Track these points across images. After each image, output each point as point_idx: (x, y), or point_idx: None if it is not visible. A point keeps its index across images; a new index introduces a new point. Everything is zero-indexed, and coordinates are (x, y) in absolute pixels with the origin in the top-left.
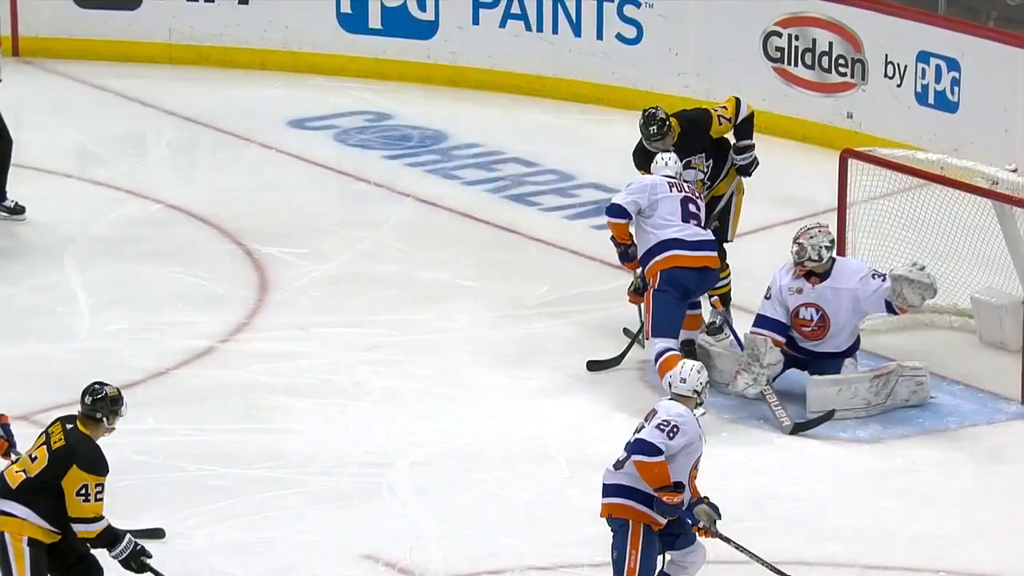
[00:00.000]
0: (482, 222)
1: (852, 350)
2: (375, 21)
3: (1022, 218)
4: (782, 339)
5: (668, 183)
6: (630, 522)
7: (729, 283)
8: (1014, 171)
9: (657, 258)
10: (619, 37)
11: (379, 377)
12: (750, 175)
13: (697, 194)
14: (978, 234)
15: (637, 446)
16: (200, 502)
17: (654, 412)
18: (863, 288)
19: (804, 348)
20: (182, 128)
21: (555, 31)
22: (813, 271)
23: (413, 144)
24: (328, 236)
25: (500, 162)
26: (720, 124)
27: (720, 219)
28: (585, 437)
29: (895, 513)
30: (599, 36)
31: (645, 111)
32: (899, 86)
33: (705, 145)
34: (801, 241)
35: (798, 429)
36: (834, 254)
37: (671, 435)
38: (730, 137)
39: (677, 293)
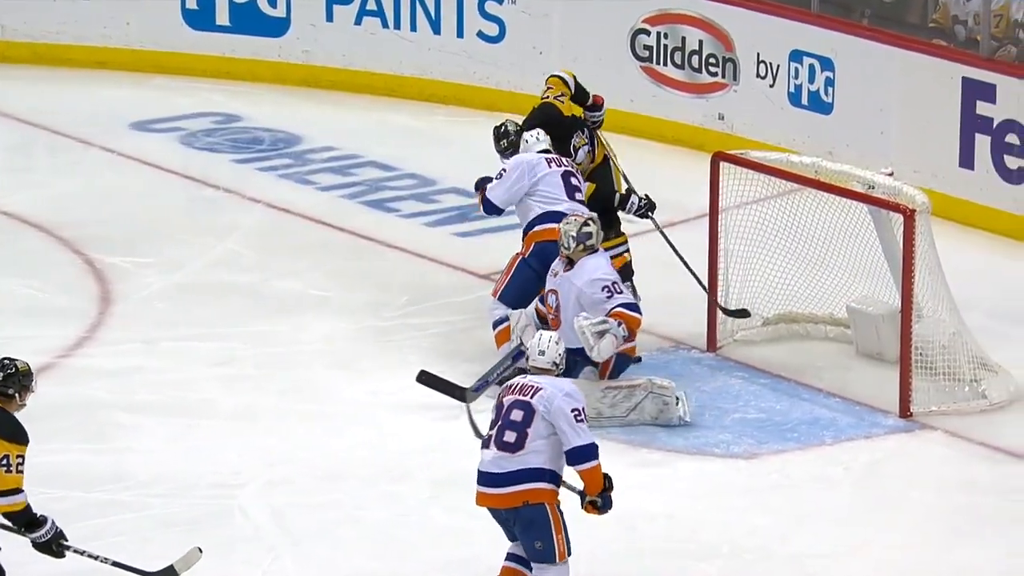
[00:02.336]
0: (338, 229)
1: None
2: (223, 17)
3: (899, 224)
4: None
5: (547, 159)
6: (546, 506)
7: (626, 250)
8: (890, 175)
9: (536, 228)
10: (481, 35)
11: (230, 393)
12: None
13: (575, 167)
14: (854, 240)
15: (584, 452)
16: None
17: (534, 389)
18: (587, 291)
19: None
20: (16, 131)
21: (413, 28)
22: (569, 258)
23: (264, 147)
24: (174, 244)
25: (357, 166)
26: (562, 103)
27: (606, 184)
28: (449, 454)
29: (772, 531)
30: (460, 34)
31: (494, 128)
32: (772, 86)
33: (569, 129)
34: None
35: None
36: (593, 244)
37: (585, 423)
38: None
39: (541, 270)
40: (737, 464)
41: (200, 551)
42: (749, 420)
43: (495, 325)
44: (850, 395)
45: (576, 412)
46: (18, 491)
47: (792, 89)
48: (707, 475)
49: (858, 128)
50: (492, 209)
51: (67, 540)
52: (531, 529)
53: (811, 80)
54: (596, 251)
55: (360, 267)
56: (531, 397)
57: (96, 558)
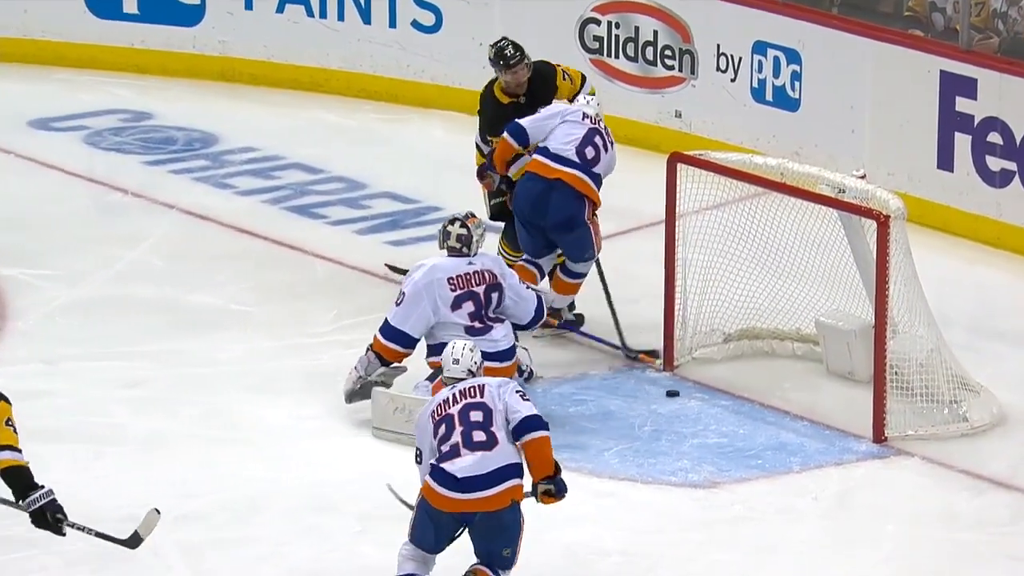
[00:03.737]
0: (260, 237)
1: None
2: (131, 5)
3: (871, 231)
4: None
5: (583, 113)
6: (519, 503)
7: None
8: (862, 177)
9: (516, 167)
10: (415, 25)
11: (140, 418)
12: None
13: (609, 134)
14: (823, 249)
15: (537, 421)
16: None
17: (479, 387)
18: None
19: None
20: None
21: (341, 18)
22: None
23: (178, 148)
24: (79, 254)
25: (279, 168)
26: (564, 79)
27: None
28: (379, 484)
29: (734, 568)
30: (392, 24)
31: (493, 44)
32: (733, 80)
33: (550, 99)
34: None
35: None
36: (455, 244)
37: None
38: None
39: (516, 214)
40: (696, 494)
41: (158, 512)
42: (709, 446)
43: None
44: (819, 418)
45: (520, 393)
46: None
47: (755, 84)
48: (663, 506)
49: (827, 126)
50: (514, 127)
51: (64, 515)
52: (503, 534)
53: (776, 74)
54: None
55: (283, 279)
56: (481, 396)
57: (84, 530)
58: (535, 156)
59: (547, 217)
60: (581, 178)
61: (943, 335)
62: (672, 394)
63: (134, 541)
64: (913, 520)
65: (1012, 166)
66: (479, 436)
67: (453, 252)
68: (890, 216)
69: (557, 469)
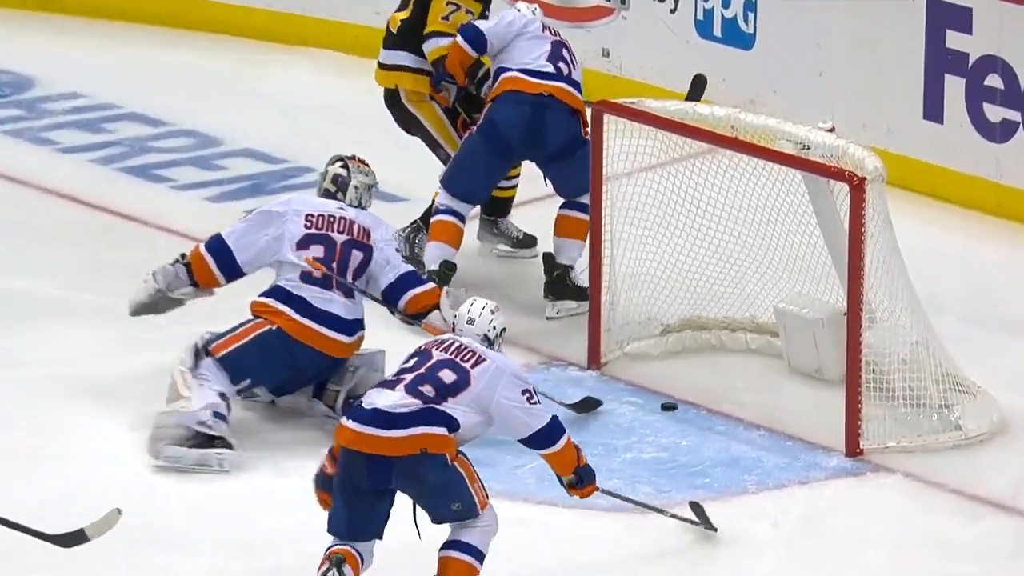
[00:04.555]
0: (88, 205)
1: None
2: None
3: (843, 197)
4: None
5: (542, 25)
6: (448, 459)
7: (515, 185)
8: (831, 131)
9: (505, 75)
10: None
11: None
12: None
13: (571, 46)
14: (783, 220)
15: (548, 436)
16: None
17: (476, 357)
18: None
19: None
20: None
21: None
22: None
23: None
24: None
25: (113, 120)
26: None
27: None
28: (245, 510)
29: None
30: None
31: None
32: (673, 12)
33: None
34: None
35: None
36: (329, 186)
37: (537, 401)
38: None
39: (495, 145)
40: (630, 521)
41: (119, 512)
42: (645, 461)
43: (432, 214)
44: (780, 426)
45: (528, 394)
46: None
47: (700, 16)
48: (590, 536)
49: (789, 68)
50: (471, 31)
51: None
52: (440, 495)
53: (725, 3)
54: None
55: (120, 258)
56: (471, 365)
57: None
58: (510, 74)
59: (546, 145)
60: (570, 91)
61: (931, 324)
62: (669, 408)
63: (73, 539)
64: (894, 550)
65: (1015, 116)
66: (428, 390)
67: (327, 196)
68: (866, 178)
69: (579, 458)
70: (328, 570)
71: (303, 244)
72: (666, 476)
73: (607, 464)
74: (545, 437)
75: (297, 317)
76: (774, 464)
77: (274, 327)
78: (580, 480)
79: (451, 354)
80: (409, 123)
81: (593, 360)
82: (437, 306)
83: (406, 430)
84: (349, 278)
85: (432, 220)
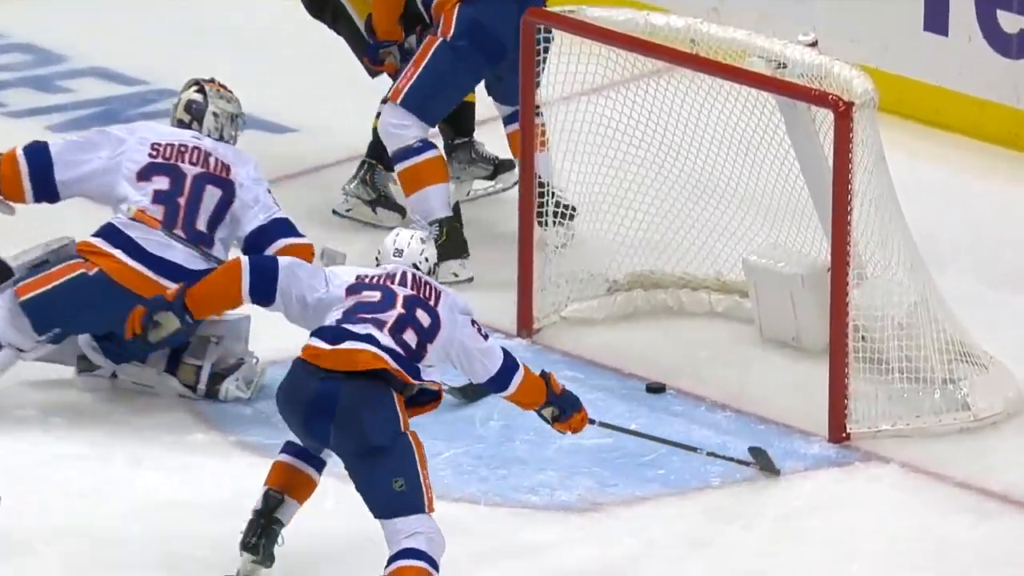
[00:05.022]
0: None
1: None
2: None
3: (826, 126)
4: None
5: None
6: (394, 398)
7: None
8: (813, 45)
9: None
10: None
11: None
12: None
13: None
14: (754, 154)
15: (505, 376)
16: None
17: (435, 292)
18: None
19: None
20: None
21: None
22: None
23: None
24: None
25: None
26: None
27: None
28: (104, 510)
29: None
30: None
31: None
32: None
33: None
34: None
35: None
36: (182, 116)
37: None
38: None
39: (485, 50)
40: (569, 520)
41: None
42: (586, 449)
43: (406, 155)
44: (750, 407)
45: (476, 326)
46: None
47: None
48: (519, 540)
49: None
50: None
51: None
52: (383, 460)
53: None
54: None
55: None
56: (435, 304)
57: None
58: None
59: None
60: None
61: (933, 281)
62: (655, 390)
63: None
64: (888, 556)
65: None
66: (410, 338)
67: (181, 127)
68: (854, 103)
69: (554, 389)
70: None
71: (144, 175)
72: (611, 467)
73: (540, 453)
74: (503, 378)
75: (126, 260)
76: (743, 453)
77: (94, 270)
78: (562, 411)
79: (413, 289)
80: (335, 13)
81: (524, 326)
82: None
83: (355, 344)
84: (202, 218)
85: (417, 161)
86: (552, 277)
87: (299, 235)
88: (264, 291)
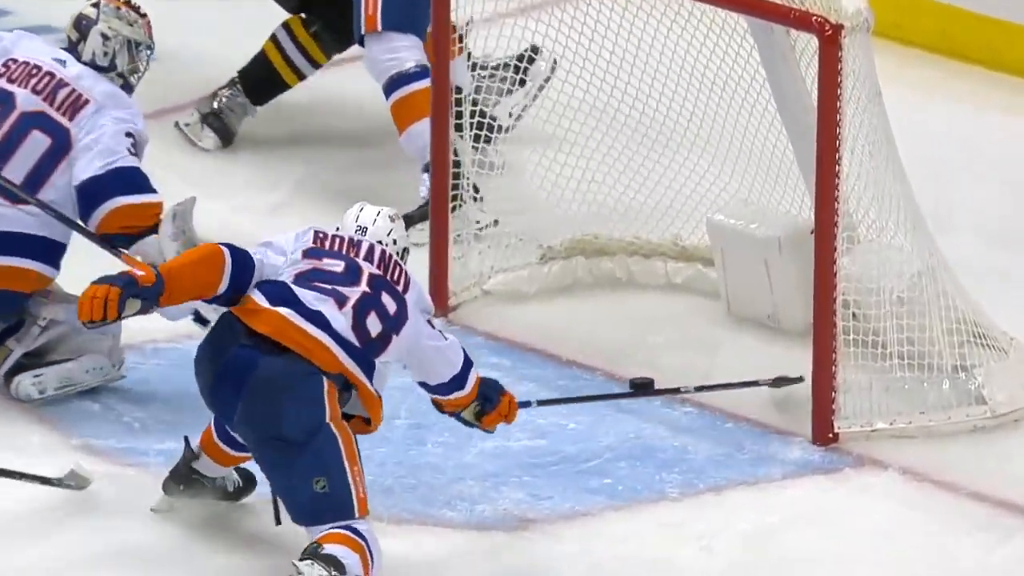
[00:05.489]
0: None
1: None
2: None
3: (808, 54)
4: None
5: None
6: (327, 405)
7: None
8: None
9: None
10: None
11: None
12: None
13: None
14: (720, 88)
15: (461, 380)
16: None
17: (403, 275)
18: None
19: None
20: None
21: None
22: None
23: None
24: None
25: None
26: None
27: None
28: None
29: None
30: None
31: None
32: None
33: None
34: None
35: None
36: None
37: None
38: None
39: None
40: (494, 539)
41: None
42: (513, 453)
43: (400, 82)
44: (715, 401)
45: (431, 323)
46: None
47: None
48: (433, 565)
49: None
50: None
51: None
52: (299, 457)
53: None
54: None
55: None
56: (404, 291)
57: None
58: None
59: None
60: None
61: (940, 247)
62: (640, 385)
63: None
64: None
65: None
66: (373, 327)
67: (70, 49)
68: (843, 26)
69: (482, 386)
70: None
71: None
72: (544, 475)
73: (457, 458)
74: (459, 381)
75: None
76: (706, 457)
77: None
78: (486, 399)
79: (379, 268)
80: None
81: (438, 302)
82: (153, 228)
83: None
84: (25, 164)
85: (410, 89)
86: (472, 243)
87: (143, 191)
88: (240, 287)
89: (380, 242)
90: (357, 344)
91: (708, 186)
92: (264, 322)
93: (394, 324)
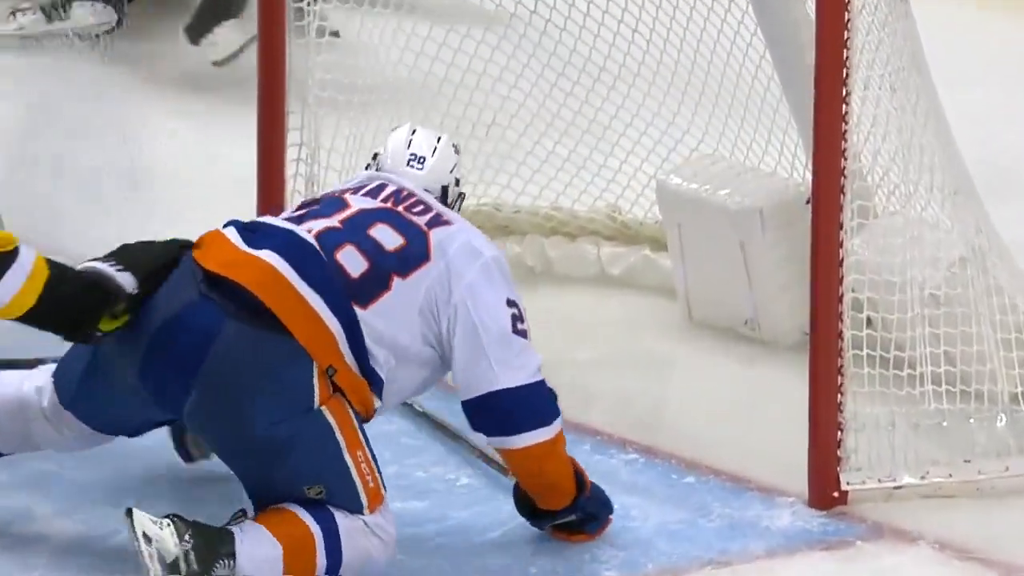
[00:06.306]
0: None
1: None
2: None
3: None
4: None
5: None
6: (316, 380)
7: None
8: None
9: None
10: None
11: None
12: None
13: None
14: (666, 28)
15: (528, 411)
16: None
17: (439, 218)
18: None
19: None
20: None
21: None
22: None
23: None
24: None
25: None
26: None
27: None
28: None
29: None
30: None
31: None
32: None
33: None
34: None
35: None
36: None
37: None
38: None
39: None
40: None
41: None
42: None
43: None
44: (668, 445)
45: (514, 308)
46: None
47: None
48: None
49: None
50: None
51: None
52: (281, 452)
53: None
54: None
55: None
56: (428, 224)
57: None
58: None
59: None
60: None
61: (992, 221)
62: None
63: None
64: None
65: None
66: (354, 265)
67: None
68: None
69: (582, 481)
70: None
71: None
72: (425, 550)
73: None
74: (526, 410)
75: None
76: (657, 525)
77: None
78: (588, 519)
79: (388, 202)
80: None
81: None
82: None
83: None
84: None
85: None
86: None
87: None
88: None
89: (442, 186)
90: (331, 283)
91: (660, 135)
92: (218, 257)
93: (397, 262)
